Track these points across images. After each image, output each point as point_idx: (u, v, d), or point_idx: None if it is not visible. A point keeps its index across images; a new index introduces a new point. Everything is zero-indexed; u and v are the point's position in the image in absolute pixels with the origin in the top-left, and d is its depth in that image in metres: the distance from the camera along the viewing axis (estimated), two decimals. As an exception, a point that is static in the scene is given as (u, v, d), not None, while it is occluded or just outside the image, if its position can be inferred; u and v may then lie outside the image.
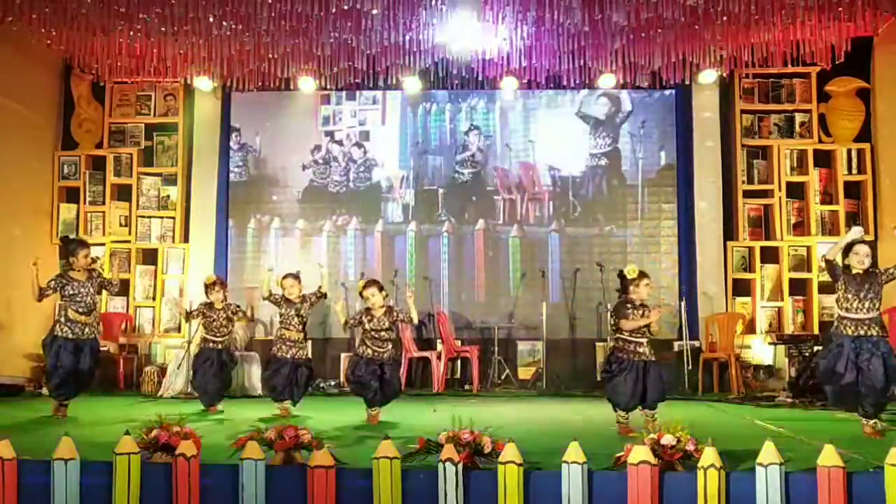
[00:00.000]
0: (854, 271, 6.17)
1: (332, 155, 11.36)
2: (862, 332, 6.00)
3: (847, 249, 6.23)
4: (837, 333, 6.14)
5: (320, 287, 7.58)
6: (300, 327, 7.49)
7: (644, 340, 6.18)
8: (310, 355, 7.77)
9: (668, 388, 6.42)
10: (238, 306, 8.12)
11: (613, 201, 11.09)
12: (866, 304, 6.05)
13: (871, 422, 5.98)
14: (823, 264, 6.54)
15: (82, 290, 7.31)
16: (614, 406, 6.21)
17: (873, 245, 10.31)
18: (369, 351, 6.93)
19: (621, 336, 6.25)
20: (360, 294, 7.08)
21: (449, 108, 11.36)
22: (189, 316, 8.05)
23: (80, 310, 7.27)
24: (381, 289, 7.02)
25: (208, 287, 7.94)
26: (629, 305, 6.25)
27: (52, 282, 7.34)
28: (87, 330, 7.32)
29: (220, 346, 7.85)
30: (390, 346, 7.00)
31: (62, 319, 7.31)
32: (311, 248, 11.18)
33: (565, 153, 11.19)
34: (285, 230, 11.27)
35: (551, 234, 11.06)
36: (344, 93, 11.26)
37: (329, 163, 11.34)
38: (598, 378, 10.27)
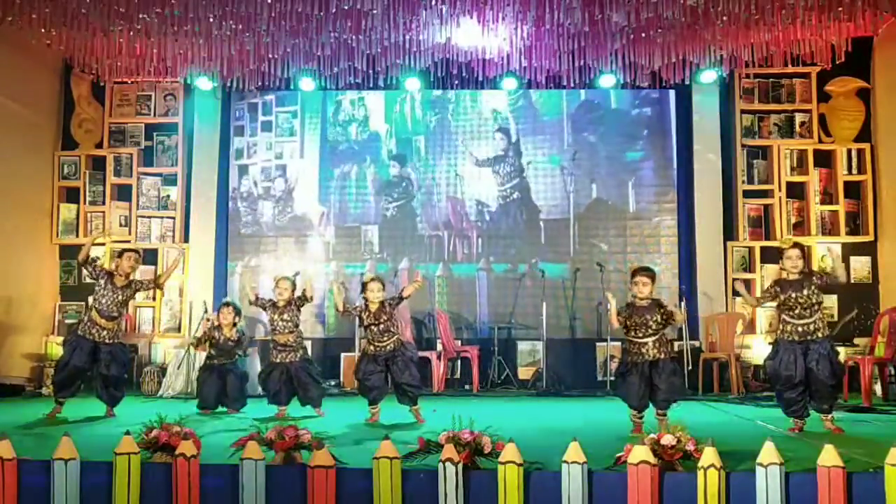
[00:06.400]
0: (790, 277, 6.27)
1: (246, 191, 11.31)
2: (809, 338, 6.15)
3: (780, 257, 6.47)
4: (784, 339, 6.26)
5: (304, 290, 7.48)
6: (291, 329, 7.44)
7: (649, 341, 6.14)
8: (307, 355, 7.64)
9: (678, 387, 6.28)
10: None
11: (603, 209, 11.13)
12: (808, 310, 6.18)
13: (829, 416, 6.18)
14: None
15: (111, 294, 7.36)
16: (628, 406, 6.24)
17: (872, 245, 10.43)
18: (371, 347, 6.99)
19: (627, 337, 6.30)
20: (363, 286, 7.13)
21: (377, 143, 11.27)
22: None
23: (103, 314, 7.35)
24: (383, 286, 7.11)
25: (223, 308, 7.98)
26: (627, 305, 6.32)
27: (97, 267, 7.49)
28: (106, 334, 7.35)
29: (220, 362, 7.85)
30: (392, 338, 7.01)
31: (85, 319, 7.48)
32: (308, 249, 11.25)
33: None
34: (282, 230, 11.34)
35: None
36: (259, 124, 11.28)
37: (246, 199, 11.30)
38: (599, 378, 10.36)
